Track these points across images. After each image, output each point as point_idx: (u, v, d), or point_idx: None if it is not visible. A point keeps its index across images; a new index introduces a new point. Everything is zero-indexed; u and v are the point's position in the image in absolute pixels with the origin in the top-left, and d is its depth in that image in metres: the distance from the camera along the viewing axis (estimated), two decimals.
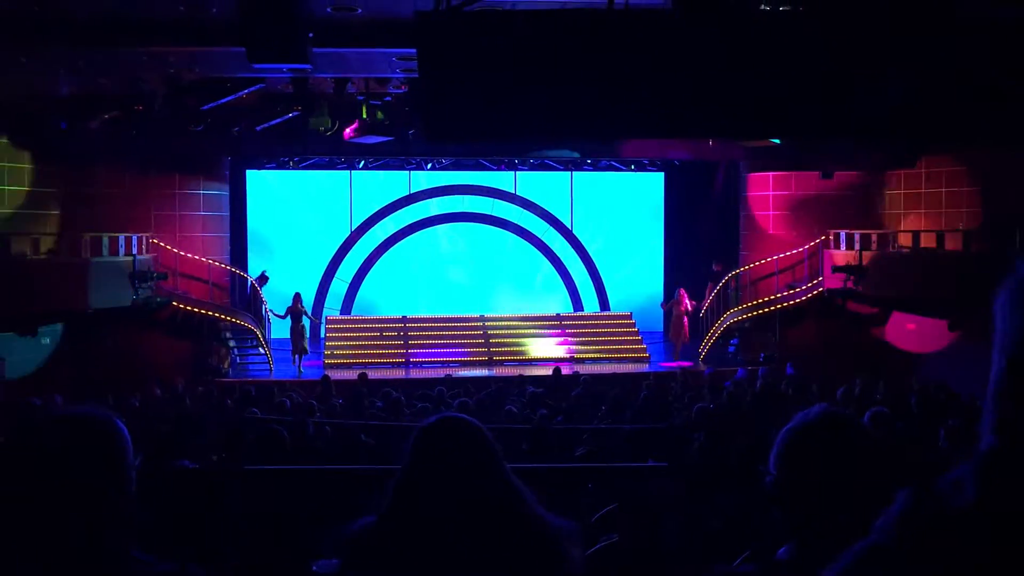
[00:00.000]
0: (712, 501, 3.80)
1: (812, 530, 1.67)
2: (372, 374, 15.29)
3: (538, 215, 20.73)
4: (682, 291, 17.79)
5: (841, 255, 16.24)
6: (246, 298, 18.24)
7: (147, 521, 2.57)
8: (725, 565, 1.93)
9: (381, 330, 18.20)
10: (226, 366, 16.88)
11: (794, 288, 17.15)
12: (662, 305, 18.94)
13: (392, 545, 2.00)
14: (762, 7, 6.11)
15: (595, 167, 20.24)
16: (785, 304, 16.97)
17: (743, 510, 3.43)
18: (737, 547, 3.19)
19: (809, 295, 16.76)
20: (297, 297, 17.19)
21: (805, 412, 1.77)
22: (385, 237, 20.30)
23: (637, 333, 18.51)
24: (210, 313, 16.49)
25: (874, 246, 15.93)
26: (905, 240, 15.86)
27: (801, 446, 1.72)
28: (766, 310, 17.23)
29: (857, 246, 15.97)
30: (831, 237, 16.82)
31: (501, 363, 17.32)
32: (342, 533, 2.10)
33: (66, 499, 1.67)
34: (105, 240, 14.88)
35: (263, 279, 17.84)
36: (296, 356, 16.77)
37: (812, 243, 17.21)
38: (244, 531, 3.42)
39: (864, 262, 15.65)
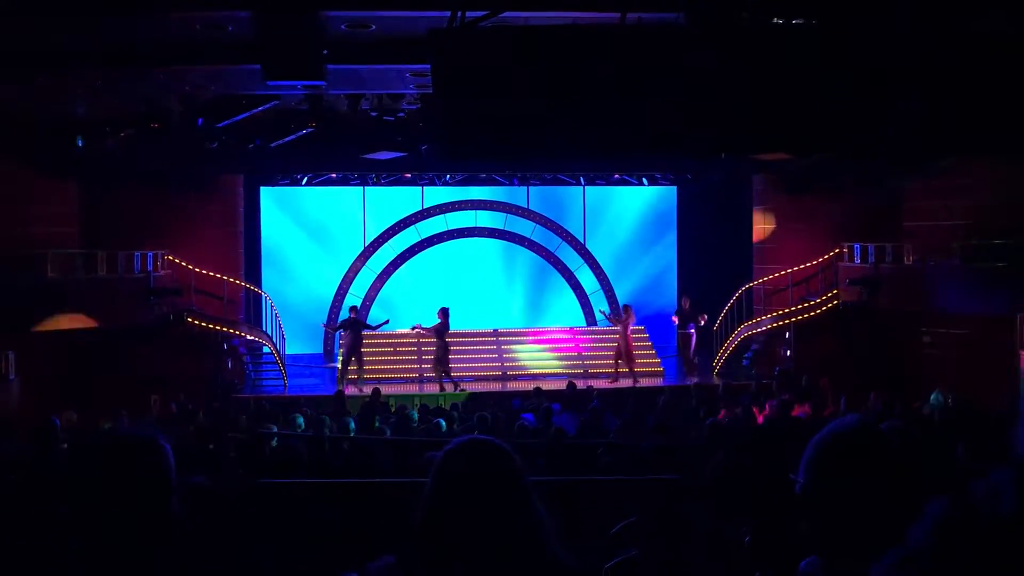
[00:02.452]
0: (731, 515, 3.78)
1: (839, 539, 1.67)
2: (386, 389, 15.31)
3: (551, 229, 20.75)
4: (627, 306, 17.46)
5: (856, 268, 16.19)
6: (260, 314, 18.31)
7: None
8: None
9: (395, 345, 18.21)
10: (240, 382, 16.92)
11: (808, 301, 17.09)
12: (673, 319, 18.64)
13: None
14: (775, 20, 6.12)
15: (607, 181, 20.26)
16: (799, 317, 16.91)
17: (763, 525, 3.41)
18: (757, 561, 3.17)
19: (824, 308, 16.69)
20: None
21: (838, 421, 1.78)
22: (398, 253, 20.35)
23: (651, 347, 18.46)
24: (224, 329, 16.56)
25: (888, 259, 15.87)
26: (920, 252, 15.79)
27: (832, 455, 1.73)
28: (780, 323, 17.17)
29: (872, 258, 15.91)
30: (845, 250, 16.76)
31: (515, 377, 17.30)
32: (364, 571, 1.97)
33: (114, 514, 1.72)
34: (121, 257, 14.97)
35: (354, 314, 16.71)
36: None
37: (826, 256, 17.15)
38: (263, 547, 3.43)
39: (879, 275, 15.60)
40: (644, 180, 20.17)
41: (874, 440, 1.74)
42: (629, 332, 16.72)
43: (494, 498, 1.89)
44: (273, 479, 5.39)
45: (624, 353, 16.60)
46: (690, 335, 17.80)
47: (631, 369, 16.57)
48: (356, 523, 3.52)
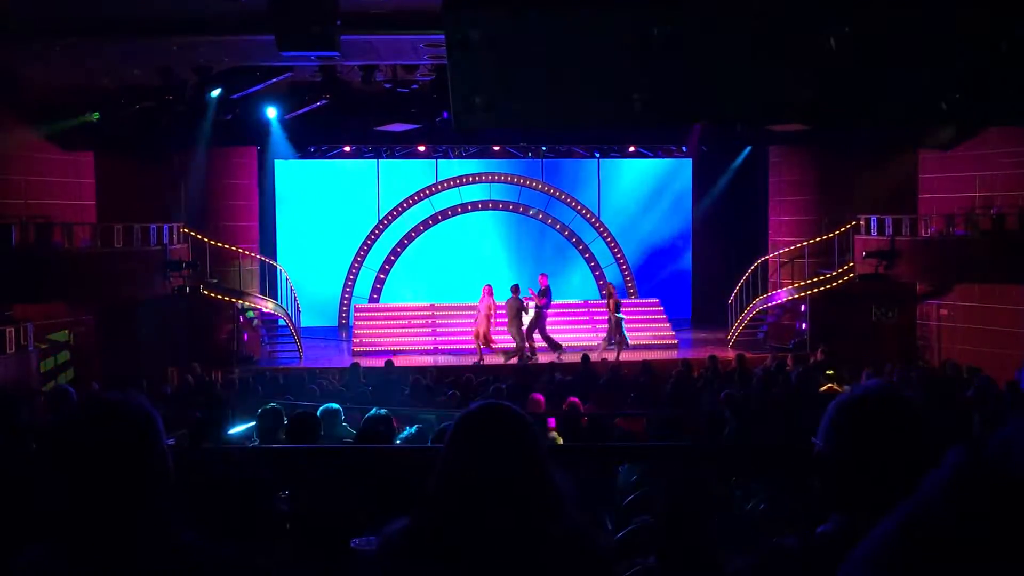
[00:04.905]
0: (745, 483, 3.80)
1: (858, 503, 1.68)
2: (400, 361, 15.37)
3: (565, 202, 20.69)
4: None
5: (873, 240, 16.08)
6: (275, 286, 18.40)
7: (186, 505, 2.60)
8: (766, 542, 1.93)
9: (409, 318, 18.28)
10: (256, 354, 17.04)
11: (824, 274, 17.02)
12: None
13: (428, 547, 1.87)
14: None
15: (622, 154, 20.15)
16: (815, 290, 16.84)
17: (778, 492, 3.43)
18: (773, 528, 3.18)
19: (840, 280, 16.62)
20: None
21: (859, 386, 1.78)
22: (412, 226, 20.36)
23: (665, 320, 18.44)
24: (239, 301, 16.65)
25: (905, 231, 15.77)
26: (938, 224, 15.67)
27: (853, 418, 1.74)
28: (796, 296, 17.11)
29: (888, 231, 15.80)
30: (861, 222, 16.65)
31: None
32: (380, 534, 1.98)
33: (103, 482, 1.69)
34: (137, 230, 15.05)
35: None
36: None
37: (842, 228, 17.04)
38: (280, 511, 3.47)
39: (895, 247, 15.50)
40: (659, 152, 20.04)
41: (895, 404, 1.74)
42: (492, 310, 15.99)
43: (510, 463, 1.87)
44: (289, 444, 5.44)
45: (482, 327, 15.92)
46: (543, 316, 16.17)
47: (479, 343, 15.98)
48: (373, 488, 3.55)
